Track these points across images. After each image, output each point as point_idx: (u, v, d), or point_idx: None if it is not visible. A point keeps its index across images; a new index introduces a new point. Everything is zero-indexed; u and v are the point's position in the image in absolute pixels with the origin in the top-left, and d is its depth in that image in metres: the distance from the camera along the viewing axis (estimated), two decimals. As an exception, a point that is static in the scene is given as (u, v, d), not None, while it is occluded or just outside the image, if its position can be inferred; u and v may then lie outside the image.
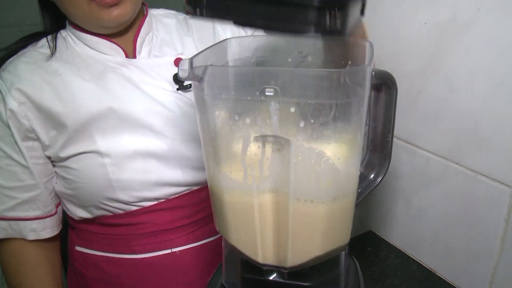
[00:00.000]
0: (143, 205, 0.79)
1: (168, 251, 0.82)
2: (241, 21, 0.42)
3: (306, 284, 0.53)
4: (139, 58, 0.80)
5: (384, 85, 0.57)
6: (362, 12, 0.48)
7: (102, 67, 0.77)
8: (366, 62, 0.42)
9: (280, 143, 0.45)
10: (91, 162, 0.75)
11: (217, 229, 0.57)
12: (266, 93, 0.42)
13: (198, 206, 0.83)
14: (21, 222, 0.78)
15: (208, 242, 0.85)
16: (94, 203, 0.78)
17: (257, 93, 0.42)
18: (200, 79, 0.44)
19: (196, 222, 0.83)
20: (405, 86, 0.87)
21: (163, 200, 0.80)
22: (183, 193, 0.81)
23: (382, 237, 1.04)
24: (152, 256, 0.81)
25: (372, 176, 0.61)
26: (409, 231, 0.96)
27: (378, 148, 0.62)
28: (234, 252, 0.55)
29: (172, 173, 0.78)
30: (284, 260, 0.51)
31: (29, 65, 0.75)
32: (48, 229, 0.81)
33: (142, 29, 0.81)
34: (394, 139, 0.93)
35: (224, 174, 0.49)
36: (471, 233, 0.81)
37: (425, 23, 0.81)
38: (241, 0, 0.41)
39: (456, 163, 0.81)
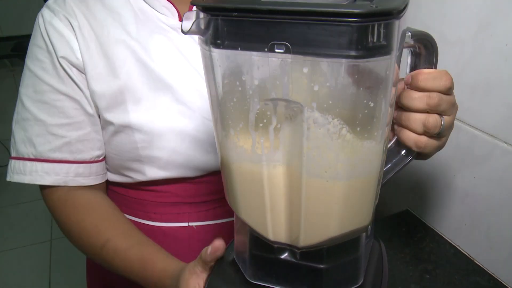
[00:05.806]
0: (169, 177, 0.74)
1: (185, 224, 0.78)
2: (262, 47, 0.37)
3: (320, 266, 0.48)
4: None
5: (423, 48, 0.50)
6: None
7: (152, 26, 0.69)
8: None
9: (293, 109, 0.40)
10: (121, 135, 0.69)
11: (228, 202, 0.52)
12: (276, 50, 0.36)
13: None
14: (67, 166, 0.70)
15: (228, 222, 0.80)
16: (116, 170, 0.75)
17: (266, 49, 0.37)
18: (204, 33, 0.39)
19: (219, 199, 0.78)
20: (454, 53, 0.79)
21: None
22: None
23: (419, 217, 0.97)
24: (168, 227, 0.78)
25: (403, 151, 0.54)
26: (449, 213, 0.89)
27: (413, 120, 0.55)
28: (244, 228, 0.51)
29: (205, 157, 0.72)
30: (297, 239, 0.47)
31: (77, 2, 0.68)
32: (93, 175, 0.73)
33: None
34: (438, 113, 0.86)
35: (232, 142, 0.44)
36: (517, 221, 0.74)
37: (481, -18, 0.71)
38: (260, 23, 0.36)
39: (505, 142, 0.73)
